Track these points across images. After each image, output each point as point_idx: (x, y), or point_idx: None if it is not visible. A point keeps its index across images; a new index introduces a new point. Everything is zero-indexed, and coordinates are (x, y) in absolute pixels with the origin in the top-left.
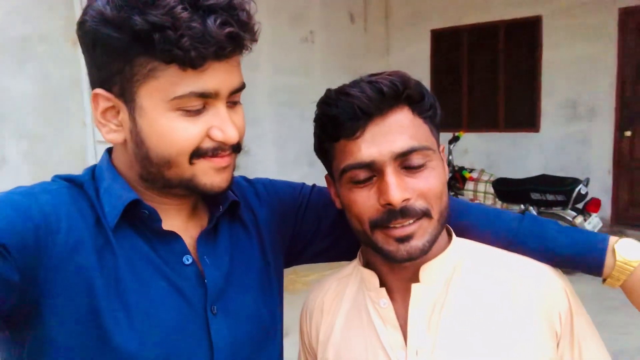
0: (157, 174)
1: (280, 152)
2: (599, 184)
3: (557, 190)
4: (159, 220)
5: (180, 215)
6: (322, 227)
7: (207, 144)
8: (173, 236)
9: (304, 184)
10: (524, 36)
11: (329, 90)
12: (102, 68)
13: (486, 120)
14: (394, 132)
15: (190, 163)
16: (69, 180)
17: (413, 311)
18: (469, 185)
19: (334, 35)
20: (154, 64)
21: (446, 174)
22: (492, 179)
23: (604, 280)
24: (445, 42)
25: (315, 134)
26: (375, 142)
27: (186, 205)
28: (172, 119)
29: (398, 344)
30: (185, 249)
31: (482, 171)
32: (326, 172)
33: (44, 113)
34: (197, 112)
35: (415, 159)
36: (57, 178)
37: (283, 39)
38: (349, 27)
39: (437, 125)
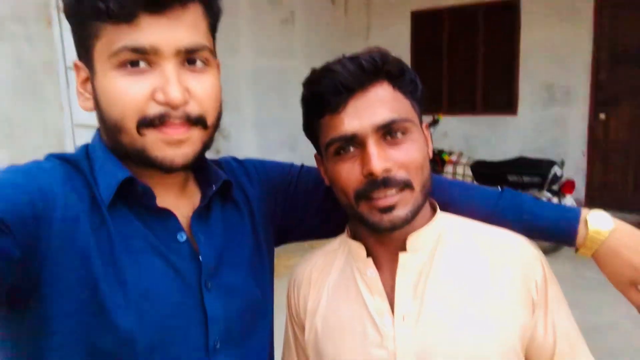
0: (114, 141)
1: (262, 137)
2: (574, 166)
3: (533, 172)
4: (154, 198)
5: (171, 193)
6: (311, 205)
7: (154, 110)
8: (167, 214)
9: (292, 163)
10: (502, 19)
11: (313, 69)
12: (74, 38)
13: (465, 103)
14: (374, 106)
15: (140, 134)
16: (63, 158)
17: (400, 278)
18: (448, 168)
19: (315, 17)
20: (96, 25)
21: (429, 149)
22: (470, 161)
23: (577, 250)
24: (425, 24)
25: (303, 113)
26: (357, 116)
27: (175, 181)
28: (114, 78)
29: (385, 311)
30: (179, 227)
31: (460, 154)
32: (315, 152)
33: (20, 96)
34: (140, 71)
35: (396, 131)
36: (51, 157)
37: (263, 20)
38: (329, 9)
39: (419, 100)
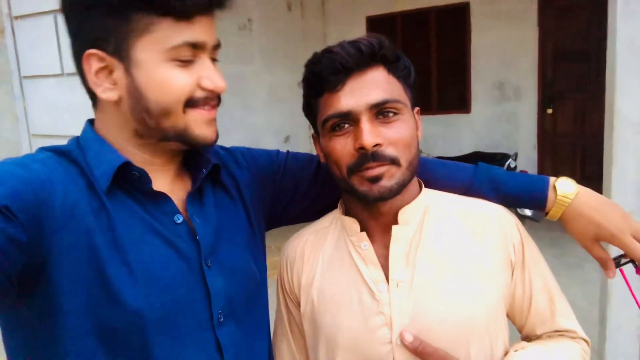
0: (154, 126)
1: (224, 142)
2: (526, 158)
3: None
4: (150, 181)
5: (166, 177)
6: (299, 190)
7: (199, 94)
8: (163, 197)
9: (278, 150)
10: (453, 22)
11: (315, 52)
12: (96, 29)
13: (421, 103)
14: (370, 86)
15: (184, 112)
16: (55, 150)
17: (393, 248)
18: None
19: (272, 23)
20: (149, 19)
21: (418, 131)
22: (430, 158)
23: (546, 214)
24: (380, 28)
25: (303, 93)
26: (353, 95)
27: (172, 167)
28: (168, 69)
29: (379, 279)
30: (176, 209)
31: (420, 151)
32: (312, 132)
33: None
34: (188, 63)
35: (388, 110)
36: (43, 149)
37: (221, 27)
38: (286, 15)
39: (411, 85)
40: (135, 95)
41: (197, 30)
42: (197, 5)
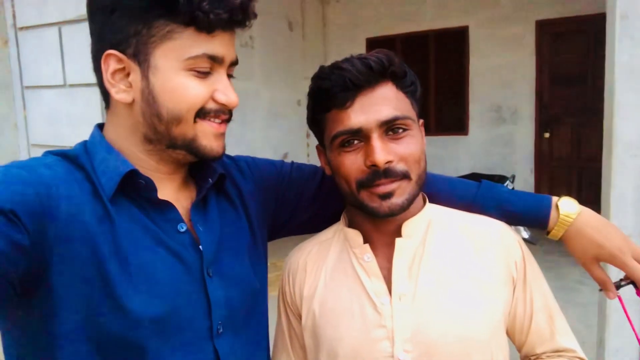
0: (164, 132)
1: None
2: (523, 181)
3: None
4: (155, 190)
5: (172, 186)
6: (302, 200)
7: (211, 105)
8: (168, 205)
9: (283, 161)
10: (452, 45)
11: (322, 66)
12: (118, 31)
13: None
14: (380, 103)
15: (194, 121)
16: (62, 154)
17: (397, 261)
18: None
19: (274, 42)
20: (172, 26)
21: (424, 144)
22: None
23: (548, 233)
24: None
25: (308, 107)
26: (364, 111)
27: (178, 176)
28: (184, 77)
29: (382, 291)
30: (180, 218)
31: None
32: (317, 143)
33: None
34: (204, 75)
35: (398, 127)
36: (50, 153)
37: None
38: (288, 34)
39: (417, 100)
40: (149, 99)
41: (217, 44)
42: (219, 21)
